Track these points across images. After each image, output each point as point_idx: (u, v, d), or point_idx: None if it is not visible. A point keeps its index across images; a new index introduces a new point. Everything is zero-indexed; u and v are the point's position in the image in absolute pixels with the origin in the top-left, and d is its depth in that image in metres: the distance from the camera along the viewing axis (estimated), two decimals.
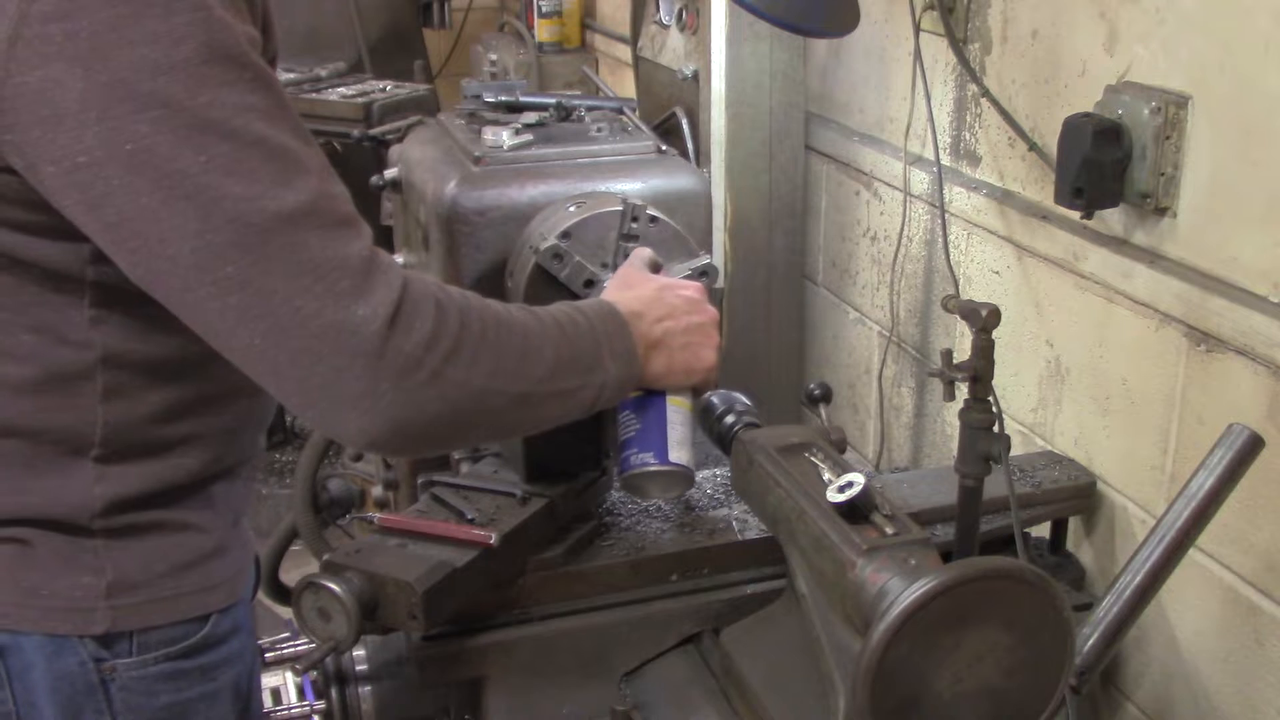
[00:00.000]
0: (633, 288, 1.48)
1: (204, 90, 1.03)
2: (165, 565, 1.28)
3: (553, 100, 2.34)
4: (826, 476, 1.42)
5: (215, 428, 1.29)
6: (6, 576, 1.23)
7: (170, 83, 1.01)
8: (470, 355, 1.16)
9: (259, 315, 1.07)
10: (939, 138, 2.23)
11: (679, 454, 1.49)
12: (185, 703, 1.32)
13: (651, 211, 1.95)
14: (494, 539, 1.49)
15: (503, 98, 2.32)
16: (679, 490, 1.57)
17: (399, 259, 2.43)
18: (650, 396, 1.49)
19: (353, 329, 1.08)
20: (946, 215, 2.20)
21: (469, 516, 1.56)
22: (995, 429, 1.57)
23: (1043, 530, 1.95)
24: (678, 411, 1.50)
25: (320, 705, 1.61)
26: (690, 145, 2.56)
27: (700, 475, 1.86)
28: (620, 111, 2.39)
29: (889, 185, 2.42)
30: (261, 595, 1.73)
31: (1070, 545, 1.96)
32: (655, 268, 1.62)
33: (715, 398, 1.66)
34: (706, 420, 1.67)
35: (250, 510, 1.46)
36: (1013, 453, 1.69)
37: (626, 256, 1.93)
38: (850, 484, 1.36)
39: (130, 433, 1.20)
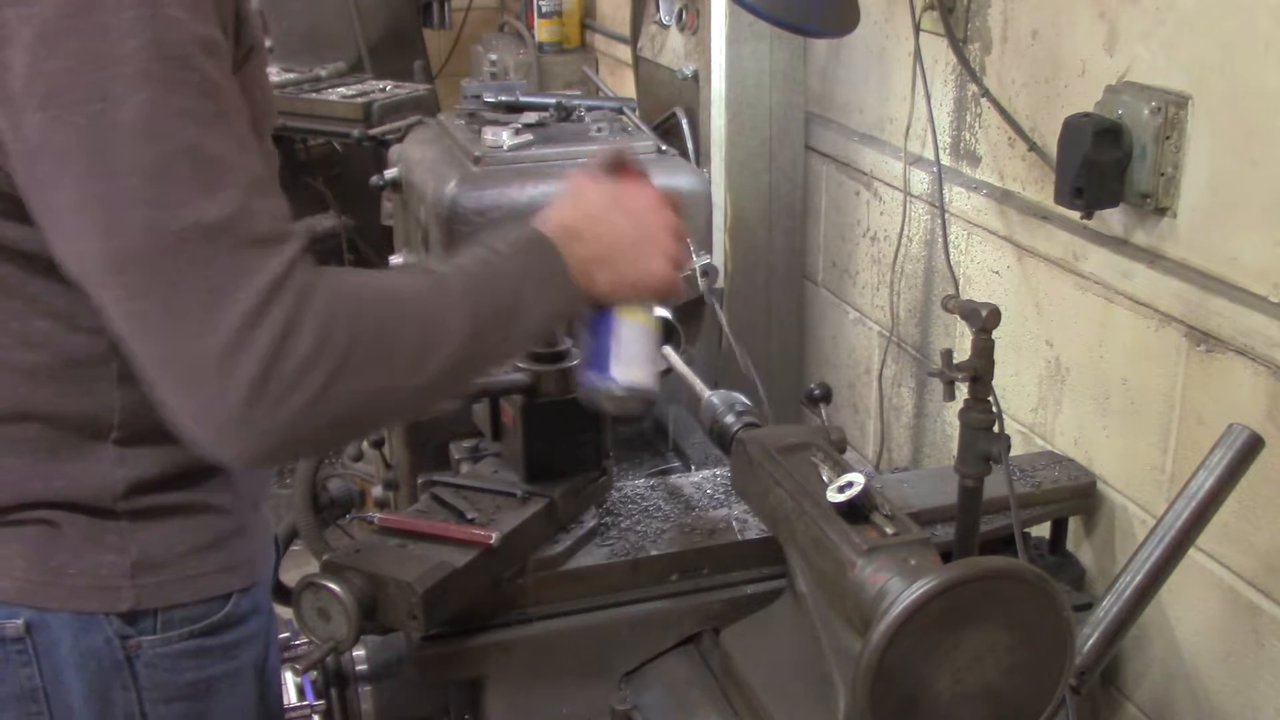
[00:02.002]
0: (579, 200, 1.39)
1: (142, 89, 1.02)
2: (188, 545, 1.31)
3: (553, 100, 2.35)
4: (826, 476, 1.42)
5: None
6: (35, 557, 1.26)
7: (110, 78, 1.01)
8: (360, 364, 1.11)
9: (152, 328, 1.06)
10: (939, 138, 2.23)
11: (628, 372, 1.40)
12: (209, 680, 1.34)
13: None
14: (494, 539, 1.49)
15: (503, 98, 2.32)
16: (634, 409, 1.46)
17: (398, 258, 2.43)
18: (601, 313, 1.40)
19: (231, 355, 1.05)
20: (946, 215, 2.20)
21: (469, 516, 1.56)
22: (995, 429, 1.57)
23: (1043, 530, 1.95)
24: (632, 327, 1.41)
25: (320, 705, 1.61)
26: (690, 145, 2.56)
27: (700, 475, 1.86)
28: (620, 111, 2.39)
29: (889, 185, 2.42)
30: None
31: (1070, 545, 1.96)
32: (618, 167, 1.47)
33: (715, 398, 1.66)
34: (706, 420, 1.67)
35: (267, 494, 1.47)
36: (1013, 453, 1.69)
37: None
38: (850, 484, 1.36)
39: (148, 416, 1.21)
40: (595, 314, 1.40)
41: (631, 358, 1.40)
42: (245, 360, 1.05)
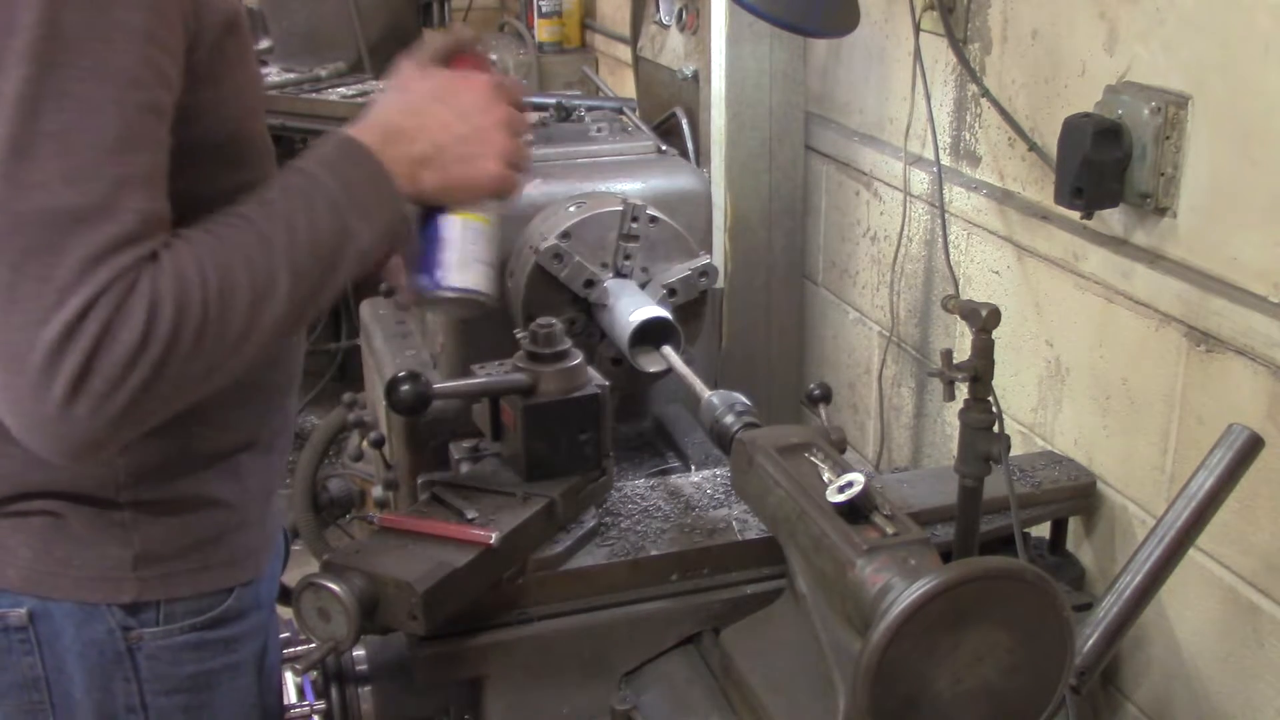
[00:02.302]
0: (403, 96, 1.30)
1: (24, 66, 1.01)
2: (191, 538, 1.31)
3: (553, 100, 2.35)
4: (826, 476, 1.42)
5: (234, 398, 1.29)
6: (40, 547, 1.26)
7: (2, 49, 1.01)
8: (187, 351, 1.08)
9: None
10: (939, 138, 2.23)
11: (460, 275, 1.32)
12: (209, 673, 1.35)
13: (651, 211, 1.96)
14: (494, 539, 1.49)
15: None
16: (466, 313, 1.39)
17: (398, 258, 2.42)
18: (430, 214, 1.32)
19: (57, 350, 1.02)
20: (946, 215, 2.20)
21: (469, 516, 1.56)
22: (995, 429, 1.57)
23: (1043, 530, 1.95)
24: (463, 227, 1.33)
25: (320, 705, 1.61)
26: (690, 145, 2.56)
27: (700, 475, 1.86)
28: (620, 111, 2.39)
29: (889, 185, 2.42)
30: None
31: (1070, 545, 1.96)
32: (453, 56, 1.37)
33: (715, 398, 1.66)
34: (706, 420, 1.67)
35: (281, 484, 1.47)
36: (1013, 453, 1.69)
37: (628, 257, 1.94)
38: (850, 484, 1.36)
39: None
40: (423, 214, 1.32)
41: (463, 260, 1.32)
42: (69, 357, 1.02)
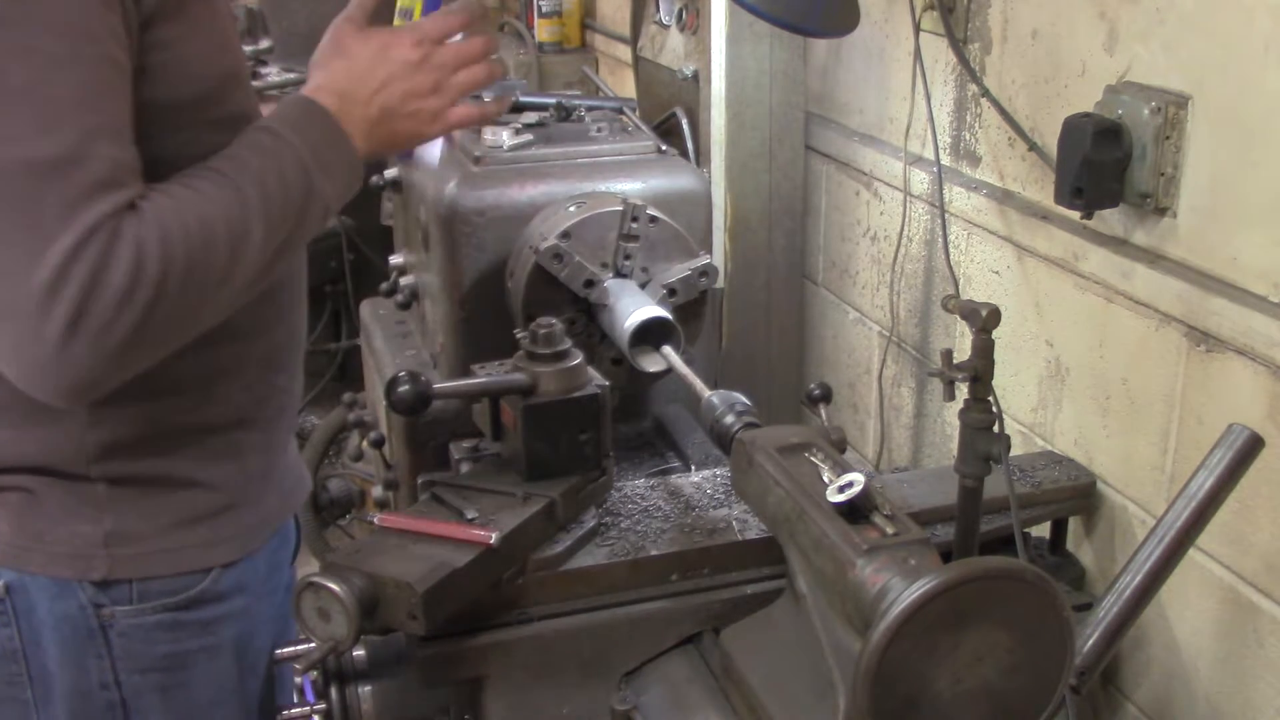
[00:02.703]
0: (348, 59, 1.36)
1: None
2: (167, 519, 1.32)
3: (553, 100, 2.34)
4: (826, 476, 1.42)
5: (208, 369, 1.30)
6: (16, 522, 1.29)
7: None
8: (174, 292, 1.12)
9: None
10: (939, 138, 2.23)
11: None
12: (184, 654, 1.35)
13: (651, 211, 1.95)
14: (494, 539, 1.49)
15: None
16: None
17: (398, 258, 2.43)
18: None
19: (49, 293, 1.06)
20: (946, 215, 2.20)
21: (469, 516, 1.56)
22: (995, 429, 1.57)
23: (1043, 530, 1.95)
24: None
25: (320, 705, 1.61)
26: (690, 145, 2.56)
27: (700, 475, 1.86)
28: (620, 111, 2.39)
29: (889, 185, 2.42)
30: None
31: (1070, 545, 1.96)
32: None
33: (715, 398, 1.66)
34: (706, 420, 1.67)
35: (282, 460, 1.47)
36: (1013, 453, 1.69)
37: (628, 257, 1.94)
38: (850, 484, 1.36)
39: None
40: None
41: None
42: (62, 299, 1.06)
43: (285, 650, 1.44)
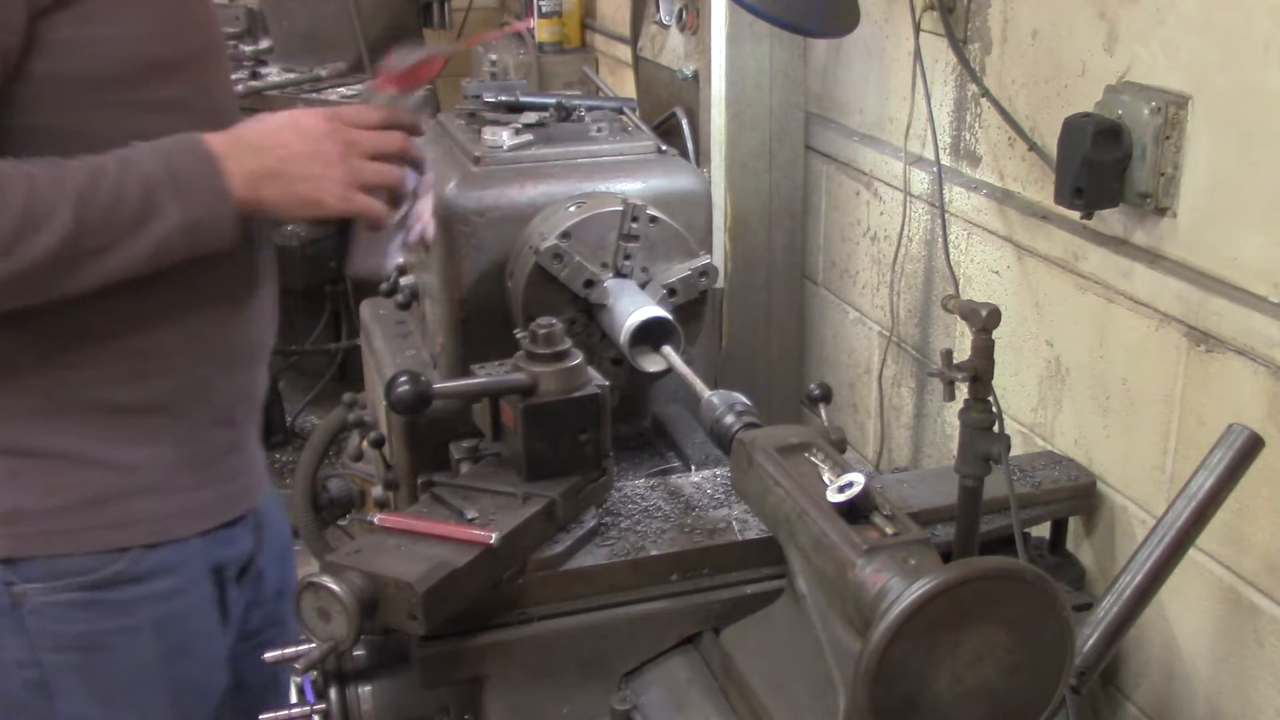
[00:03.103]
0: (259, 119, 1.39)
1: None
2: (64, 499, 1.32)
3: (553, 100, 2.34)
4: (826, 476, 1.42)
5: (104, 347, 1.31)
6: None
7: None
8: None
9: None
10: (939, 138, 2.23)
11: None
12: (99, 634, 1.35)
13: (651, 211, 1.95)
14: (494, 539, 1.49)
15: (503, 98, 2.31)
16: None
17: (399, 259, 2.42)
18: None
19: None
20: (946, 215, 2.20)
21: (469, 516, 1.56)
22: (995, 429, 1.57)
23: (1043, 530, 1.95)
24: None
25: (320, 705, 1.61)
26: (690, 145, 2.56)
27: (700, 475, 1.86)
28: (620, 111, 2.39)
29: (889, 185, 2.42)
30: None
31: (1070, 545, 1.96)
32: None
33: (715, 398, 1.66)
34: (706, 420, 1.67)
35: (224, 457, 1.46)
36: (1013, 453, 1.69)
37: (628, 257, 1.94)
38: (850, 484, 1.36)
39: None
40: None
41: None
42: None
43: (288, 650, 1.44)
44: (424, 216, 1.53)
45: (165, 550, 1.38)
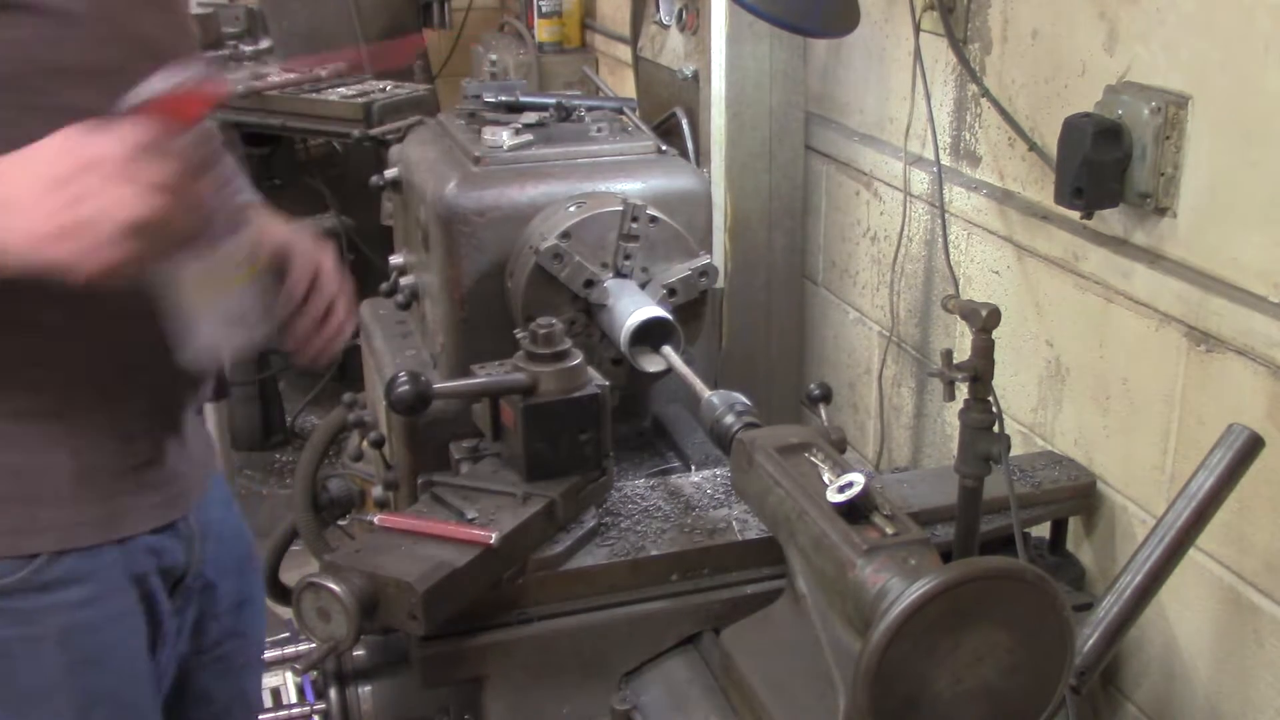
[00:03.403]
0: (32, 164, 1.17)
1: None
2: None
3: (553, 100, 2.34)
4: (826, 476, 1.42)
5: (3, 357, 1.29)
6: None
7: None
8: None
9: None
10: (939, 138, 2.23)
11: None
12: (1, 642, 1.33)
13: (651, 211, 1.95)
14: (494, 539, 1.49)
15: (503, 98, 2.31)
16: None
17: (398, 258, 2.43)
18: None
19: None
20: (946, 215, 2.20)
21: (469, 516, 1.56)
22: (995, 429, 1.57)
23: (1043, 530, 1.95)
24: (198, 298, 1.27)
25: (320, 705, 1.61)
26: (690, 145, 2.56)
27: (700, 475, 1.86)
28: (620, 111, 2.39)
29: (889, 185, 2.42)
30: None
31: (1070, 545, 1.96)
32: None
33: (715, 398, 1.66)
34: (706, 420, 1.67)
35: (140, 470, 1.41)
36: (1013, 453, 1.69)
37: (628, 257, 1.94)
38: (850, 484, 1.36)
39: None
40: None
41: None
42: None
43: (288, 651, 1.44)
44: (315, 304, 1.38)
45: (73, 558, 1.35)
